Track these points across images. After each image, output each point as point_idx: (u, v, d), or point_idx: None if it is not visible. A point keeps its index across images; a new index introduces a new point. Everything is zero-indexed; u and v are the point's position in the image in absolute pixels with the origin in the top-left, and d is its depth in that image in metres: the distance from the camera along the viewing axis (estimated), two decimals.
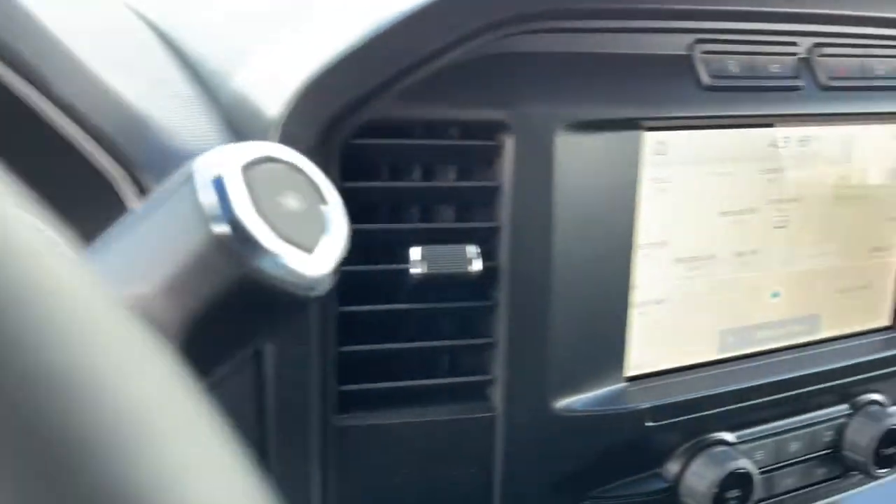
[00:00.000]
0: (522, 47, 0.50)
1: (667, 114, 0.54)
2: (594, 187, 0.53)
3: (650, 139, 0.55)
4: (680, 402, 0.58)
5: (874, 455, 0.66)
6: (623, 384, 0.58)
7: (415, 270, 0.48)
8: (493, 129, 0.49)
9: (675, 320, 0.60)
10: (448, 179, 0.52)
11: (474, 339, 0.52)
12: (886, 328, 0.72)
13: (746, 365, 0.63)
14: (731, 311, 0.62)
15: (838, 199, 0.65)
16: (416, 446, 0.52)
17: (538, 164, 0.50)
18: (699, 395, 0.59)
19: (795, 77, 0.59)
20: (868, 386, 0.68)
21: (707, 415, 0.59)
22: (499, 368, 0.52)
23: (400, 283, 0.50)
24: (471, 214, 0.52)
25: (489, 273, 0.51)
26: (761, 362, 0.64)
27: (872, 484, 0.71)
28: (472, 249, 0.49)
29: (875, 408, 0.68)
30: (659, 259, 0.58)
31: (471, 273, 0.49)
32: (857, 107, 0.62)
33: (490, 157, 0.50)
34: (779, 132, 0.61)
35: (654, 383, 0.59)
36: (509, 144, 0.49)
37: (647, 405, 0.57)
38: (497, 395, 0.53)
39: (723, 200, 0.59)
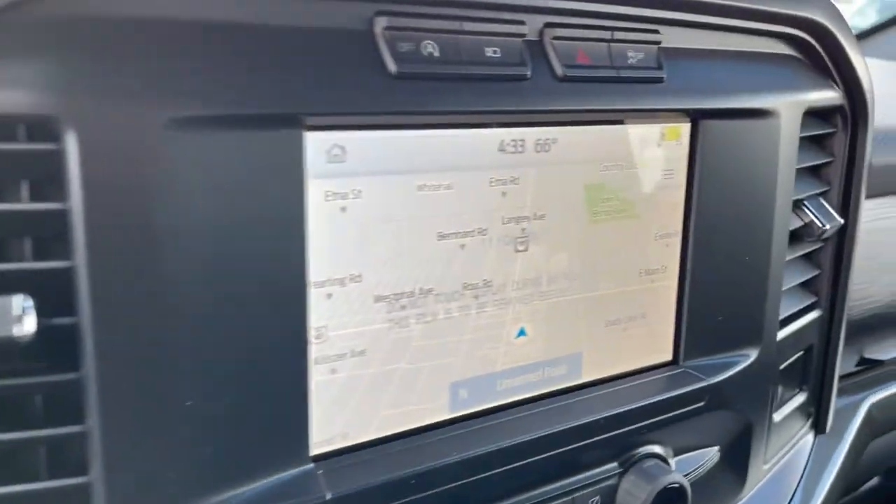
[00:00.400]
0: (73, 6, 0.35)
1: (339, 109, 0.41)
2: (236, 208, 0.39)
3: (319, 142, 0.42)
4: (386, 483, 0.45)
5: None
6: (304, 467, 0.44)
7: None
8: (43, 128, 0.34)
9: (385, 376, 0.47)
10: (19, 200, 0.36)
11: (48, 429, 0.37)
12: (668, 364, 0.61)
13: (484, 424, 0.51)
14: (462, 358, 0.50)
15: (593, 215, 0.53)
16: None
17: (130, 176, 0.36)
18: (414, 472, 0.46)
19: (520, 64, 0.47)
20: (645, 436, 0.57)
21: (424, 497, 0.46)
22: (97, 469, 0.37)
23: None
24: (44, 250, 0.37)
25: (62, 334, 0.36)
26: (504, 419, 0.51)
27: None
28: (16, 303, 0.33)
29: (651, 463, 0.57)
30: (350, 298, 0.44)
31: (17, 338, 0.34)
32: (603, 102, 0.51)
33: (50, 167, 0.35)
34: (507, 134, 0.48)
35: (352, 461, 0.45)
36: (73, 149, 0.34)
37: (334, 495, 0.43)
38: None
39: (440, 220, 0.47)
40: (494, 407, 0.52)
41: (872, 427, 0.85)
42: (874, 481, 1.10)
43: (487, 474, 0.49)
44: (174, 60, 0.36)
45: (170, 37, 0.37)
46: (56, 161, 0.35)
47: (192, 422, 0.39)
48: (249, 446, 0.41)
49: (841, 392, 0.84)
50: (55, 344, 0.36)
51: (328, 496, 0.42)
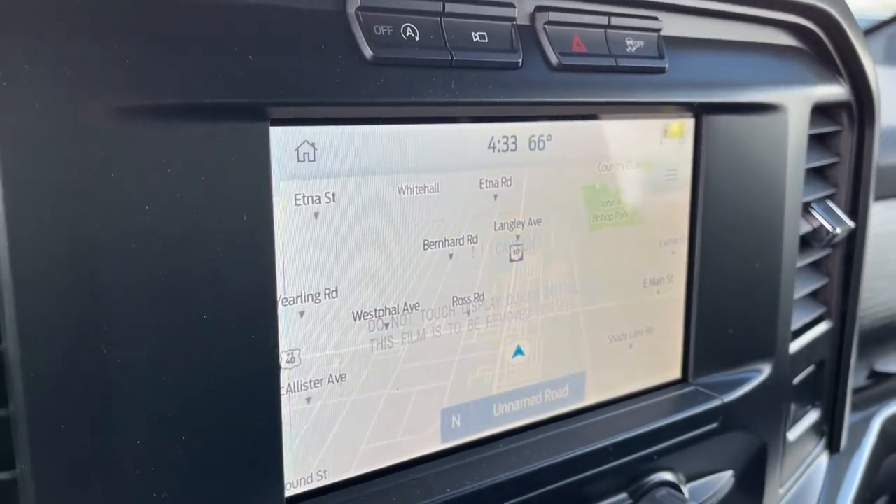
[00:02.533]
0: None
1: (309, 99, 0.36)
2: (193, 213, 0.33)
3: (287, 138, 0.36)
4: None
5: None
6: None
7: None
8: None
9: (368, 403, 0.41)
10: None
11: None
12: (677, 382, 0.56)
13: (479, 456, 0.45)
14: (454, 381, 0.44)
15: (593, 220, 0.49)
16: None
17: (60, 173, 0.30)
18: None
19: (511, 51, 0.42)
20: (656, 462, 0.52)
21: None
22: None
23: None
24: None
25: None
26: (501, 449, 0.46)
27: None
28: None
29: (664, 492, 0.51)
30: (326, 316, 0.39)
31: None
32: (601, 94, 0.46)
33: None
34: (497, 129, 0.44)
35: (332, 502, 0.40)
36: None
37: None
38: None
39: (425, 227, 0.42)
40: (490, 436, 0.46)
41: (887, 443, 0.80)
42: (883, 500, 1.06)
43: None
44: (119, 42, 0.31)
45: (114, 14, 0.31)
46: None
47: (144, 463, 0.33)
48: (214, 490, 0.36)
49: (852, 407, 0.79)
50: None
51: None
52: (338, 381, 0.40)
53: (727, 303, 0.56)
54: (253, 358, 0.36)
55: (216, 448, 0.35)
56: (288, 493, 0.39)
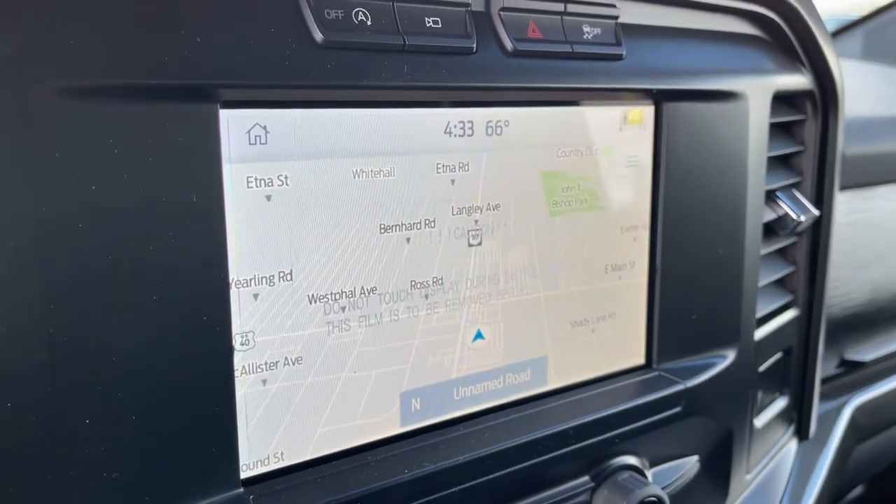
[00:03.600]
0: None
1: (259, 81, 0.36)
2: (142, 195, 0.34)
3: (237, 120, 0.37)
4: None
5: None
6: (234, 492, 0.38)
7: None
8: None
9: (325, 386, 0.41)
10: None
11: None
12: (641, 367, 0.57)
13: (439, 438, 0.45)
14: (413, 365, 0.45)
15: (553, 206, 0.49)
16: None
17: (5, 156, 0.30)
18: (359, 493, 0.40)
19: (464, 37, 0.42)
20: (619, 446, 0.53)
21: None
22: None
23: None
24: None
25: None
26: (461, 432, 0.46)
27: None
28: None
29: (626, 475, 0.52)
30: (280, 299, 0.39)
31: None
32: (557, 80, 0.46)
33: None
34: (454, 114, 0.44)
35: (288, 484, 0.40)
36: None
37: None
38: None
39: (381, 210, 0.42)
40: (451, 419, 0.47)
41: (857, 432, 0.81)
42: (858, 490, 1.07)
43: (443, 493, 0.44)
44: (64, 23, 0.31)
45: None
46: None
47: (94, 443, 0.34)
48: (167, 471, 0.36)
49: (823, 396, 0.80)
50: None
51: None
52: (294, 364, 0.40)
53: (690, 289, 0.57)
54: (205, 340, 0.36)
55: (169, 429, 0.36)
56: (244, 474, 0.39)
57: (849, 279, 0.81)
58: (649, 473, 0.54)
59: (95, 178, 0.32)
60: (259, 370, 0.39)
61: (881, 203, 0.82)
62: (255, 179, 0.37)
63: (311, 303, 0.40)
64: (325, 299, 0.41)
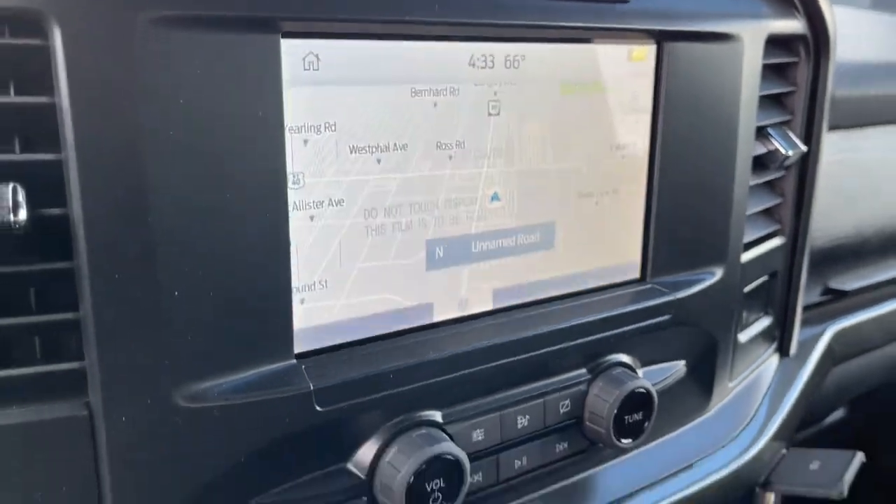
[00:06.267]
0: None
1: (313, 14, 0.43)
2: (213, 106, 0.41)
3: (295, 48, 0.43)
4: (364, 376, 0.47)
5: (615, 423, 0.57)
6: (288, 363, 0.46)
7: None
8: (30, 22, 0.36)
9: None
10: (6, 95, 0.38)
11: (45, 315, 0.39)
12: (636, 281, 0.64)
13: (460, 329, 0.53)
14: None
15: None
16: None
17: (115, 72, 0.37)
18: (391, 367, 0.48)
19: None
20: (614, 346, 0.60)
21: (403, 391, 0.49)
22: (92, 353, 0.39)
23: None
24: (30, 145, 0.38)
25: (56, 225, 0.38)
26: (478, 325, 0.54)
27: (623, 457, 0.64)
28: (8, 193, 0.35)
29: (619, 370, 0.60)
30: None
31: (14, 223, 0.36)
32: (570, 20, 0.53)
33: (37, 62, 0.37)
34: (477, 48, 0.50)
35: (339, 359, 0.48)
36: (58, 44, 0.36)
37: (316, 384, 0.45)
38: (94, 388, 0.40)
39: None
40: (472, 315, 0.54)
41: (835, 354, 0.89)
42: (839, 414, 1.15)
43: (462, 373, 0.51)
44: None
45: None
46: (43, 56, 0.37)
47: (177, 309, 0.41)
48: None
49: (806, 322, 0.87)
50: (48, 235, 0.38)
51: (307, 388, 0.45)
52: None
53: (683, 211, 0.63)
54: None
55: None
56: (297, 349, 0.47)
57: (835, 214, 0.88)
58: (640, 371, 0.62)
59: (181, 94, 0.39)
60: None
61: (869, 143, 0.88)
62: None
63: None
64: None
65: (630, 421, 0.59)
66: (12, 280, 0.38)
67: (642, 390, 0.59)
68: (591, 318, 0.58)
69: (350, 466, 0.49)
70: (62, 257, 0.39)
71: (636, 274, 0.64)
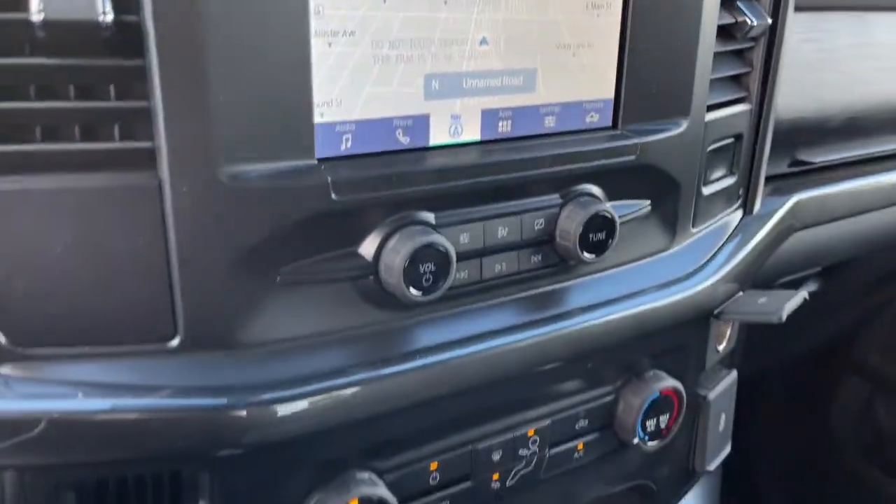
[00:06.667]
0: None
1: None
2: None
3: None
4: (372, 176, 0.59)
5: (581, 240, 0.69)
6: (310, 162, 0.58)
7: (36, 17, 0.46)
8: None
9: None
10: None
11: (123, 102, 0.51)
12: (608, 128, 0.74)
13: (451, 151, 0.64)
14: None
15: None
16: (78, 215, 0.51)
17: None
18: (395, 171, 0.60)
19: None
20: (585, 179, 0.71)
21: (404, 193, 0.60)
22: (160, 135, 0.51)
23: (30, 41, 0.48)
24: None
25: (131, 28, 0.49)
26: (467, 149, 0.65)
27: (591, 277, 0.75)
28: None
29: (587, 198, 0.71)
30: None
31: (102, 23, 0.47)
32: None
33: None
34: None
35: (357, 164, 0.59)
36: None
37: (333, 178, 0.57)
38: (162, 163, 0.52)
39: None
40: (461, 142, 0.66)
41: (798, 218, 0.99)
42: (811, 286, 1.26)
43: (452, 185, 0.63)
44: None
45: None
46: None
47: (225, 104, 0.52)
48: (267, 129, 0.54)
49: (774, 191, 0.98)
50: (126, 37, 0.49)
51: (327, 179, 0.57)
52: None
53: (652, 68, 0.73)
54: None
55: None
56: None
57: (802, 91, 0.97)
58: (607, 203, 0.73)
59: None
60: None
61: (838, 26, 0.96)
62: None
63: None
64: None
65: (594, 239, 0.70)
66: (98, 72, 0.50)
67: (606, 214, 0.70)
68: (564, 151, 0.68)
69: (360, 251, 0.61)
70: (137, 56, 0.50)
71: (608, 122, 0.74)
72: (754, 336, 1.11)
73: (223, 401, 0.56)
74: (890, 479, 1.88)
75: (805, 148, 1.01)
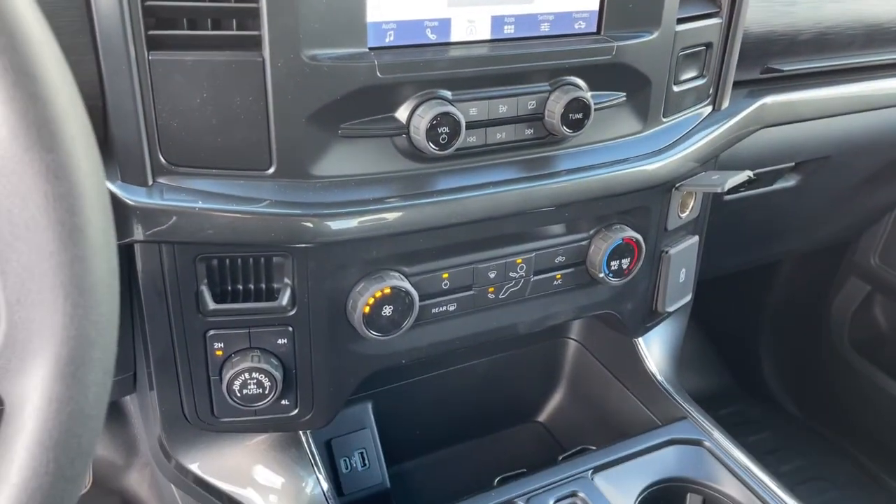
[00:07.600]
0: None
1: None
2: None
3: None
4: (407, 62, 0.83)
5: (563, 118, 0.92)
6: (362, 49, 0.82)
7: None
8: None
9: None
10: None
11: (240, 3, 0.76)
12: (593, 33, 0.96)
13: (468, 46, 0.88)
14: None
15: None
16: (210, 79, 0.77)
17: None
18: (424, 59, 0.84)
19: None
20: (570, 73, 0.94)
21: (430, 75, 0.85)
22: (265, 27, 0.76)
23: None
24: None
25: None
26: (480, 43, 0.89)
27: (574, 149, 0.99)
28: None
29: (569, 87, 0.94)
30: None
31: None
32: None
33: None
34: None
35: (393, 45, 0.84)
36: None
37: (379, 62, 0.81)
38: (265, 46, 0.77)
39: None
40: (476, 40, 0.89)
41: (765, 115, 1.19)
42: (791, 181, 1.46)
43: (468, 71, 0.87)
44: None
45: None
46: None
47: (306, 5, 0.77)
48: (334, 26, 0.79)
49: (748, 95, 1.18)
50: None
51: (374, 62, 0.81)
52: None
53: None
54: None
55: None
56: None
57: (773, 7, 1.16)
58: (588, 92, 0.96)
59: None
60: None
61: None
62: None
63: None
64: None
65: (573, 118, 0.93)
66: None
67: (584, 99, 0.93)
68: (555, 49, 0.91)
69: (396, 115, 0.86)
70: None
71: (593, 29, 0.96)
72: (759, 232, 1.32)
73: (299, 211, 0.83)
74: (880, 371, 2.12)
75: (777, 58, 1.21)
